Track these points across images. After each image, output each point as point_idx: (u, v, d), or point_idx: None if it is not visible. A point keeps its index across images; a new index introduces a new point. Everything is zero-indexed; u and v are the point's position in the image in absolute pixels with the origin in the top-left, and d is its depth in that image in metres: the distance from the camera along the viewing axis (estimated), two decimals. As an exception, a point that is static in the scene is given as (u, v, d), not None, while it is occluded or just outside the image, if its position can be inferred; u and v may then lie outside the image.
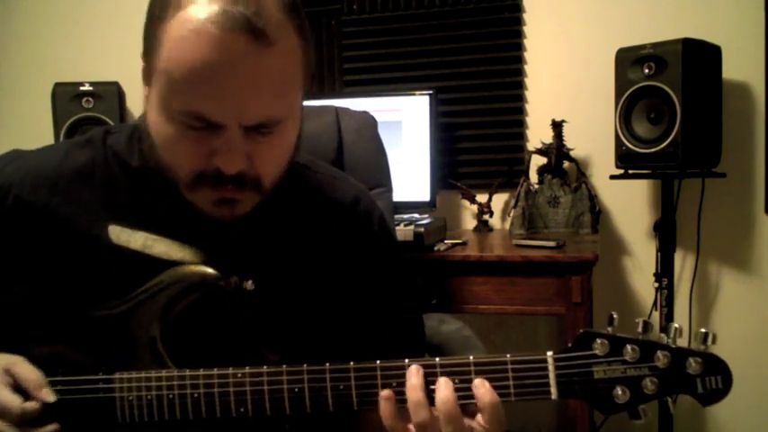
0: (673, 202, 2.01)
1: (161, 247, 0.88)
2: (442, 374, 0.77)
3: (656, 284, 2.01)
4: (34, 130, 2.58)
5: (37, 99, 2.55)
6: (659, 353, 0.75)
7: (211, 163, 0.79)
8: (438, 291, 1.82)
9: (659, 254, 2.02)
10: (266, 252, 0.93)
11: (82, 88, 2.37)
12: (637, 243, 2.23)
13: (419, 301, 1.07)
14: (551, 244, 1.83)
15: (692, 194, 2.10)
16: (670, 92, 1.82)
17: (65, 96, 2.37)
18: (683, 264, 2.17)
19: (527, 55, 2.30)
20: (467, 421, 0.77)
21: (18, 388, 0.80)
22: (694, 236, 2.13)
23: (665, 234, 2.00)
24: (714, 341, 0.75)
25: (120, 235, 0.88)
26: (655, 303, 2.04)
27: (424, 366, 0.78)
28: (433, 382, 0.77)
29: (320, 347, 0.86)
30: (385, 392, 0.77)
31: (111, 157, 0.92)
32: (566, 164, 2.19)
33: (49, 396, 0.80)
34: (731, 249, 2.15)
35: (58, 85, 2.39)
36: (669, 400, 0.76)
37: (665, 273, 1.99)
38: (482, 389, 0.76)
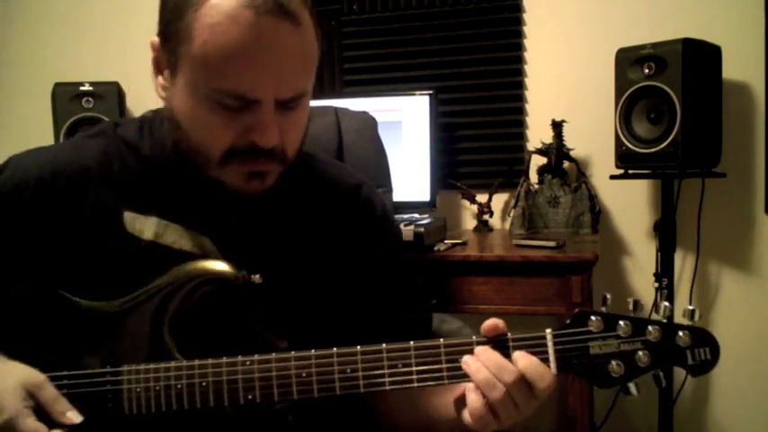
0: (673, 202, 2.01)
1: (172, 235, 0.90)
2: (446, 354, 0.80)
3: (656, 284, 2.01)
4: (34, 130, 2.58)
5: (37, 99, 2.55)
6: (650, 327, 0.79)
7: (246, 139, 0.84)
8: (438, 291, 1.82)
9: (659, 254, 2.02)
10: (273, 244, 0.94)
11: (82, 88, 2.37)
12: (637, 243, 2.23)
13: (421, 291, 1.09)
14: (551, 244, 1.83)
15: (692, 194, 2.10)
16: (670, 92, 1.82)
17: (65, 96, 2.37)
18: (683, 264, 2.17)
19: (527, 55, 2.30)
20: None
21: (40, 410, 0.80)
22: (694, 236, 2.13)
23: (665, 234, 2.00)
24: (700, 317, 0.80)
25: (135, 223, 0.90)
26: (655, 303, 2.04)
27: (427, 347, 0.81)
28: (439, 362, 0.80)
29: (329, 337, 0.87)
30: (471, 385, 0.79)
31: (122, 146, 0.95)
32: (566, 164, 2.19)
33: (76, 418, 0.80)
34: (731, 249, 2.15)
35: (58, 85, 2.39)
36: (661, 374, 0.79)
37: (665, 273, 1.99)
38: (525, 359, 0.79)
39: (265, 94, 0.82)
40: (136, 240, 0.90)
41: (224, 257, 0.89)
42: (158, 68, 0.88)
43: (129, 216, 0.90)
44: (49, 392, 0.81)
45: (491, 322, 0.81)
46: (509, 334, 0.81)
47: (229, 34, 0.78)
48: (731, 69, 2.01)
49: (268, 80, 0.81)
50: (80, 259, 0.89)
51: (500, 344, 0.80)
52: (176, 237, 0.90)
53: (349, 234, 0.99)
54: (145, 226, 0.90)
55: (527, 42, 2.29)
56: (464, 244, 1.95)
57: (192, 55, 0.81)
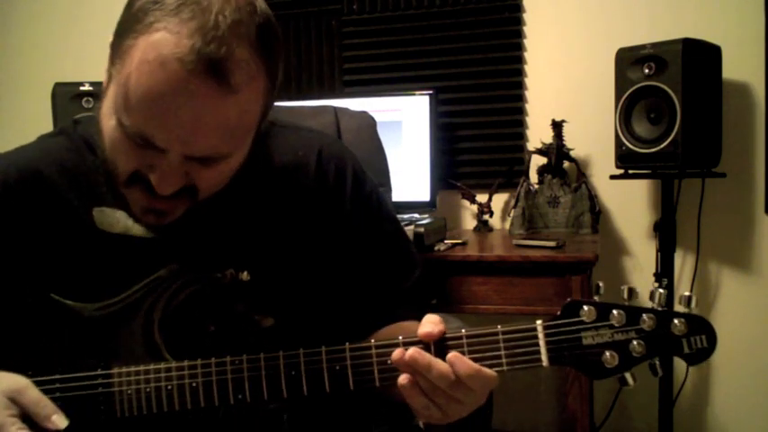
0: (673, 202, 2.01)
1: (140, 229, 0.88)
2: (436, 349, 0.79)
3: (656, 284, 2.00)
4: (34, 130, 2.55)
5: (37, 99, 2.55)
6: (644, 316, 0.78)
7: (148, 171, 0.80)
8: (438, 291, 1.82)
9: (659, 254, 2.02)
10: (256, 238, 0.93)
11: (82, 88, 2.36)
12: (637, 243, 2.23)
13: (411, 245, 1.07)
14: (551, 244, 1.83)
15: (692, 194, 2.10)
16: (670, 92, 1.82)
17: (65, 96, 2.36)
18: (683, 264, 2.17)
19: (527, 55, 2.30)
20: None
21: (26, 416, 0.78)
22: (694, 236, 2.13)
23: (665, 234, 2.00)
24: (697, 304, 0.78)
25: (103, 218, 0.89)
26: (651, 299, 2.04)
27: (416, 343, 0.79)
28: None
29: (322, 322, 0.87)
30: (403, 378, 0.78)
31: (82, 144, 0.93)
32: (566, 164, 2.19)
33: (60, 422, 0.79)
34: (731, 249, 2.15)
35: (58, 85, 2.38)
36: (657, 363, 0.78)
37: (665, 273, 1.99)
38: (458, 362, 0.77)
39: (171, 147, 0.77)
40: (107, 236, 0.88)
41: (205, 257, 0.88)
42: (109, 64, 0.82)
43: (97, 212, 0.89)
44: (31, 397, 0.79)
45: (425, 331, 0.79)
46: (499, 326, 0.79)
47: (153, 78, 0.73)
48: (731, 69, 2.01)
49: (178, 136, 0.76)
50: (57, 260, 0.88)
51: (491, 335, 0.79)
52: (144, 230, 0.88)
53: (322, 205, 0.96)
54: (113, 219, 0.89)
55: (527, 42, 2.29)
56: (464, 244, 1.95)
57: (118, 80, 0.77)
